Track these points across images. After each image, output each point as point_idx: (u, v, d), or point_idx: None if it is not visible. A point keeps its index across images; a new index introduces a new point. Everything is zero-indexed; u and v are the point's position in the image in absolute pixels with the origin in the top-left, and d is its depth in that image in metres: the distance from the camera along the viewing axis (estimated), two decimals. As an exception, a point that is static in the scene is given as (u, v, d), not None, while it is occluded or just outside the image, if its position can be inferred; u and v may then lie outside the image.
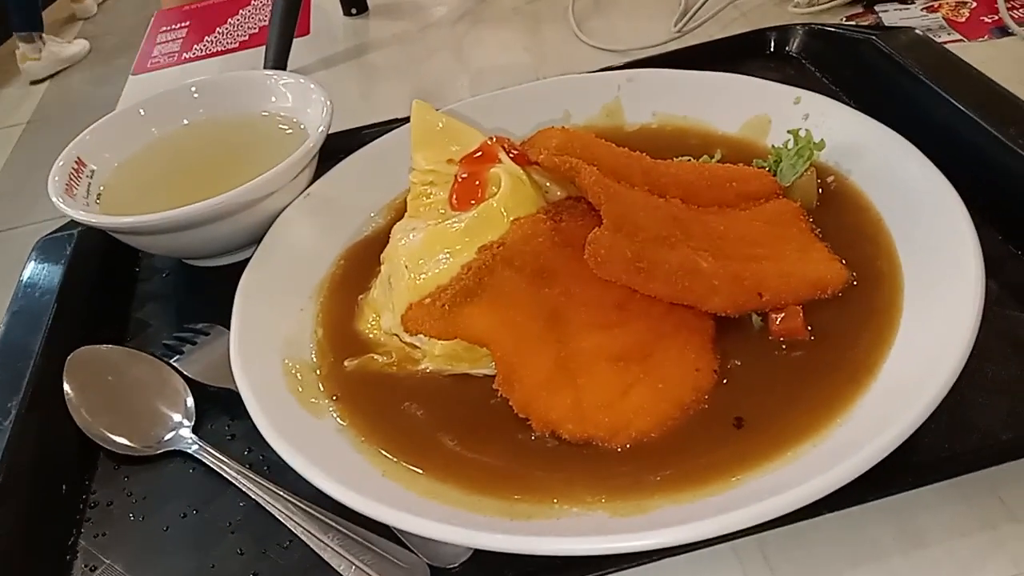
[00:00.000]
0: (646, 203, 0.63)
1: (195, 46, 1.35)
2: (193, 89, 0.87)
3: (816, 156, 0.72)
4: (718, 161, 0.76)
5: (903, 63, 0.80)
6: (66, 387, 0.67)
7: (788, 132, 0.73)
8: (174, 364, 0.70)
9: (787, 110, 0.78)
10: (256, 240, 0.76)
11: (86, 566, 0.58)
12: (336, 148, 0.85)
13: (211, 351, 0.71)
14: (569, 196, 0.67)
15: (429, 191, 0.71)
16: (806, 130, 0.72)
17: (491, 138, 0.70)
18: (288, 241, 0.77)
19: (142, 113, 0.85)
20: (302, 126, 0.85)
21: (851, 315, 0.59)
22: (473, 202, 0.66)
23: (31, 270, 0.80)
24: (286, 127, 0.86)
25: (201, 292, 0.82)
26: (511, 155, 0.67)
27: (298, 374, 0.65)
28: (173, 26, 1.43)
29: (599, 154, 0.67)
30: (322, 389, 0.64)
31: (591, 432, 0.55)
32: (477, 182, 0.66)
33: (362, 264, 0.76)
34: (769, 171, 0.73)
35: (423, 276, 0.64)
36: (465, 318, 0.57)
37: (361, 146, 0.85)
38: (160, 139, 0.86)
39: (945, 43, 0.96)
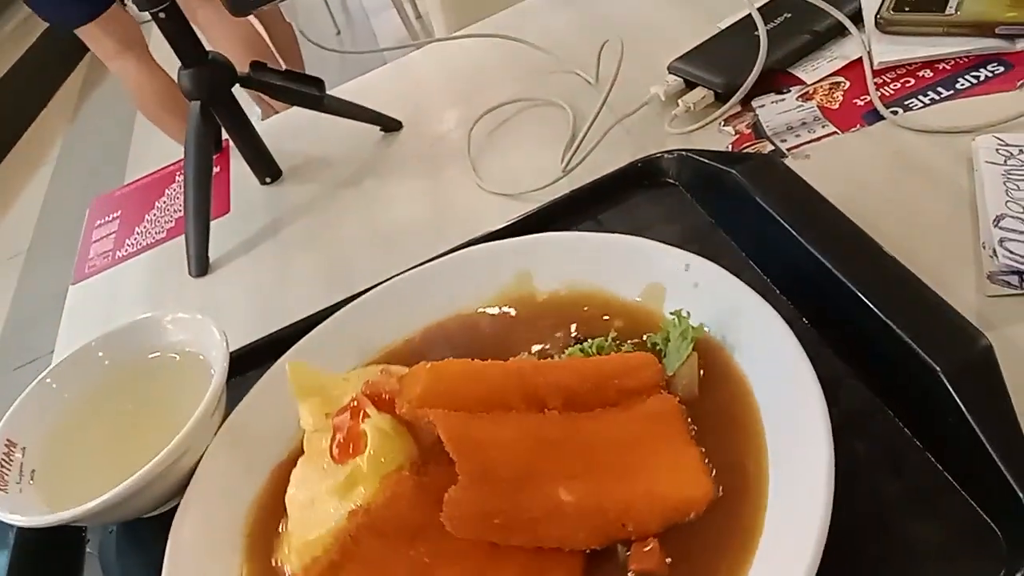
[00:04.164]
0: (509, 440, 0.64)
1: (127, 240, 1.39)
2: (93, 345, 0.91)
3: (702, 334, 0.71)
4: (613, 339, 0.76)
5: (756, 196, 0.80)
6: None
7: (671, 314, 0.73)
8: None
9: (679, 277, 0.77)
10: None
11: None
12: (253, 361, 0.91)
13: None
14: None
15: (319, 437, 0.73)
16: (687, 312, 0.72)
17: (366, 384, 0.72)
18: (211, 485, 0.79)
19: (53, 384, 0.89)
20: (201, 356, 0.88)
21: (713, 535, 0.59)
22: (350, 455, 0.68)
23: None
24: (189, 362, 0.89)
25: (148, 545, 0.84)
26: (381, 404, 0.69)
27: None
28: (106, 218, 1.48)
29: (469, 388, 0.68)
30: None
31: None
32: (351, 437, 0.68)
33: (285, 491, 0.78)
34: (659, 349, 0.74)
35: (306, 538, 0.66)
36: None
37: (276, 357, 0.88)
38: (75, 404, 0.89)
39: (821, 139, 0.96)
